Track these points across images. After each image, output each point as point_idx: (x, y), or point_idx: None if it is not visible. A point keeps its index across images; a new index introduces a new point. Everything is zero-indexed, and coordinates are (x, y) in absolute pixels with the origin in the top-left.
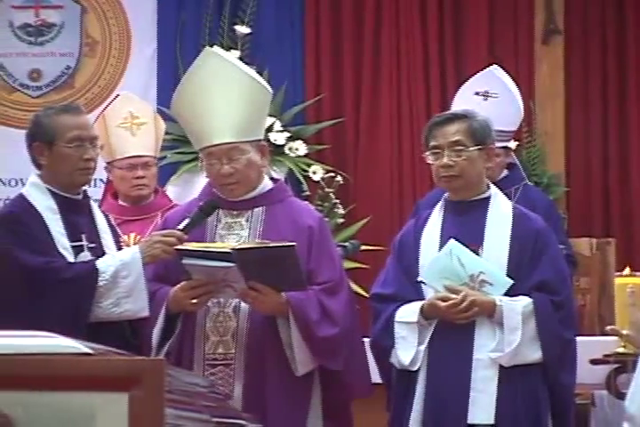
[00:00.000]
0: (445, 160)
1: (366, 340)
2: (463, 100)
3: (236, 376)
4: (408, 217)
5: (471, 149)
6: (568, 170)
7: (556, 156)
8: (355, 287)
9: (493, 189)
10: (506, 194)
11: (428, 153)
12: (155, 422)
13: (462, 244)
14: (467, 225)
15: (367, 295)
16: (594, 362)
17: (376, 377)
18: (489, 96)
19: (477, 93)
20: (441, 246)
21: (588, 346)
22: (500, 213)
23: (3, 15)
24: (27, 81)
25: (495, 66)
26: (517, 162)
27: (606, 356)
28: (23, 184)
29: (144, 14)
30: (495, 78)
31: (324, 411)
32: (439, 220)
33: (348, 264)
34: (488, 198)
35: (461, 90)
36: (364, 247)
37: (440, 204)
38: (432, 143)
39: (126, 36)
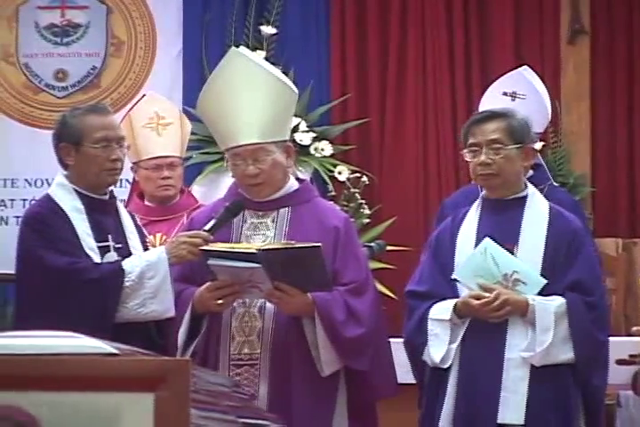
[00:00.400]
0: (483, 158)
1: (393, 340)
2: (491, 100)
3: (261, 376)
4: (434, 217)
5: (509, 147)
6: (594, 170)
7: (581, 156)
8: (380, 288)
9: (530, 189)
10: None
11: (465, 151)
12: (180, 422)
13: (498, 242)
14: (503, 224)
15: (393, 296)
16: (619, 362)
17: (402, 377)
18: (517, 97)
19: (505, 94)
20: (476, 245)
21: (614, 346)
22: (537, 212)
23: (28, 16)
24: (52, 81)
25: (525, 67)
26: (542, 162)
27: (632, 356)
28: (49, 185)
29: (169, 14)
30: (524, 79)
31: (349, 411)
32: (476, 218)
33: (374, 265)
34: (525, 197)
35: (490, 90)
36: (389, 248)
37: (477, 202)
38: (470, 141)
39: (152, 36)
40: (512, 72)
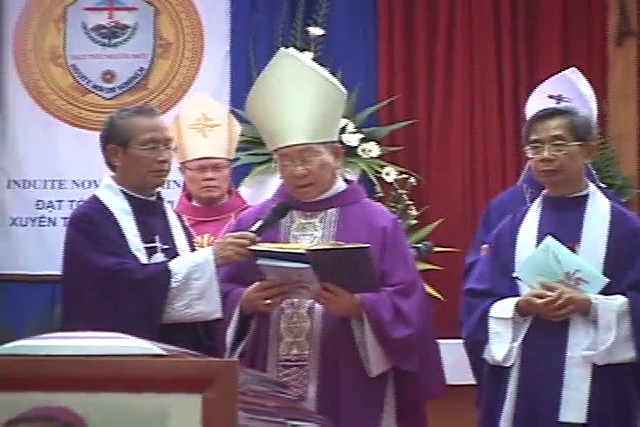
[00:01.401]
0: (545, 154)
1: (441, 341)
2: (537, 103)
3: (309, 377)
4: (481, 218)
5: (571, 144)
6: None
7: (629, 157)
8: (428, 289)
9: (592, 187)
10: None
11: (528, 147)
12: (228, 423)
13: (559, 241)
14: (564, 222)
15: (440, 297)
16: None
17: (450, 378)
18: (562, 100)
19: (551, 97)
20: (538, 243)
21: None
22: (599, 211)
23: (76, 17)
24: (100, 83)
25: (572, 69)
26: (589, 164)
27: None
28: (96, 186)
29: (217, 15)
30: (569, 82)
31: (397, 412)
32: (537, 216)
33: (421, 266)
34: (587, 196)
35: (535, 92)
36: (437, 249)
37: (538, 200)
38: (533, 137)
39: (199, 37)
40: (558, 75)
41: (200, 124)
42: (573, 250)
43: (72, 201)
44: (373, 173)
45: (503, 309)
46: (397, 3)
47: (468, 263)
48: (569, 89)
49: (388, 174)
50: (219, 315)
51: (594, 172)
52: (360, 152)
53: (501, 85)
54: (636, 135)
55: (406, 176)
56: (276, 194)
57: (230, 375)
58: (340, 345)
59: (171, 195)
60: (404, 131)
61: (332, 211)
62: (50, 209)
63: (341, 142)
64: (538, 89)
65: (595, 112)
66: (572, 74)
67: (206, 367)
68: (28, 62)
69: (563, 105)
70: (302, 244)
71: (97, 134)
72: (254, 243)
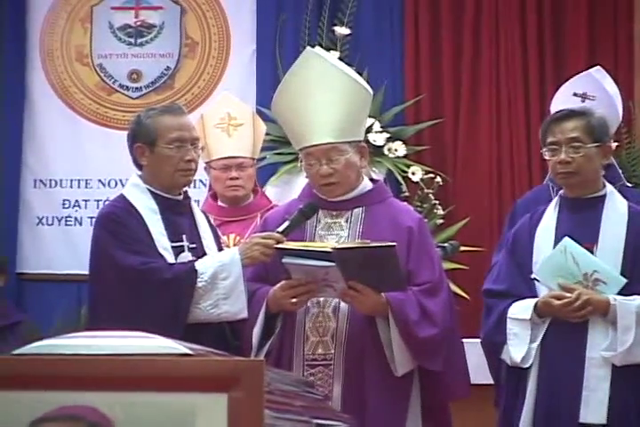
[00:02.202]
0: (563, 156)
1: (466, 340)
2: (562, 101)
3: (335, 377)
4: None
5: (589, 145)
6: None
7: None
8: (454, 288)
9: (609, 188)
10: None
11: (545, 149)
12: (254, 423)
13: (577, 241)
14: (582, 223)
15: (466, 296)
16: None
17: (475, 378)
18: (587, 98)
19: (576, 95)
20: (555, 243)
21: None
22: (616, 211)
23: (103, 16)
24: (126, 82)
25: (598, 68)
26: (615, 162)
27: None
28: (123, 185)
29: (243, 15)
30: (595, 81)
31: (423, 411)
32: (554, 216)
33: (448, 265)
34: (604, 196)
35: (561, 90)
36: (463, 248)
37: (555, 200)
38: (550, 139)
39: (226, 36)
40: (583, 73)
41: (224, 124)
42: (591, 251)
43: (98, 200)
44: (399, 173)
45: (521, 310)
46: (423, 2)
47: (494, 263)
48: (594, 87)
49: (414, 174)
50: (245, 315)
51: (620, 171)
52: (386, 151)
53: (527, 84)
54: None
55: (432, 176)
56: (302, 193)
57: (257, 375)
58: (365, 345)
59: (198, 194)
60: (430, 130)
61: (357, 210)
62: (76, 208)
63: (367, 142)
64: (563, 87)
65: (620, 110)
66: (597, 72)
67: (233, 367)
68: (55, 62)
69: (580, 106)
70: (328, 242)
71: (123, 134)
72: (280, 243)
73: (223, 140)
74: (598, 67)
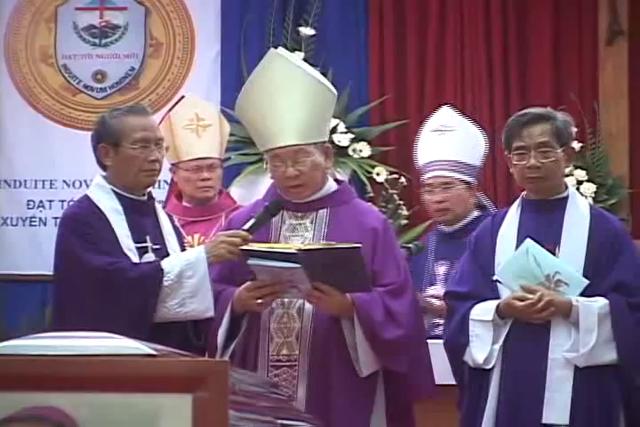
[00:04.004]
0: (533, 162)
1: (430, 341)
2: (425, 140)
3: (299, 378)
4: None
5: (558, 150)
6: (632, 171)
7: (620, 157)
8: None
9: (571, 189)
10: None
11: (512, 154)
12: (218, 423)
13: (539, 243)
14: (544, 225)
15: None
16: None
17: (440, 378)
18: (446, 130)
19: (435, 130)
20: (517, 245)
21: None
22: (578, 213)
23: (67, 17)
24: (91, 82)
25: (447, 106)
26: (488, 202)
27: None
28: (87, 185)
29: (208, 15)
30: (449, 114)
31: (387, 412)
32: (516, 218)
33: None
34: (566, 198)
35: (422, 132)
36: None
37: (517, 202)
38: (517, 144)
39: (190, 37)
40: (437, 112)
41: (193, 125)
42: (553, 252)
43: (63, 201)
44: (364, 174)
45: (484, 311)
46: (388, 3)
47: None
48: (449, 119)
49: (378, 174)
50: (211, 313)
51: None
52: (351, 152)
53: (492, 85)
54: (627, 134)
55: (397, 176)
56: (266, 194)
57: (221, 375)
58: (330, 345)
59: (162, 195)
60: (395, 131)
61: (322, 211)
62: (41, 209)
63: (332, 142)
64: (424, 128)
65: (483, 141)
66: (448, 108)
67: (197, 367)
68: (19, 62)
69: (542, 109)
70: (293, 244)
71: (88, 134)
72: (246, 241)
73: (193, 141)
74: (446, 106)
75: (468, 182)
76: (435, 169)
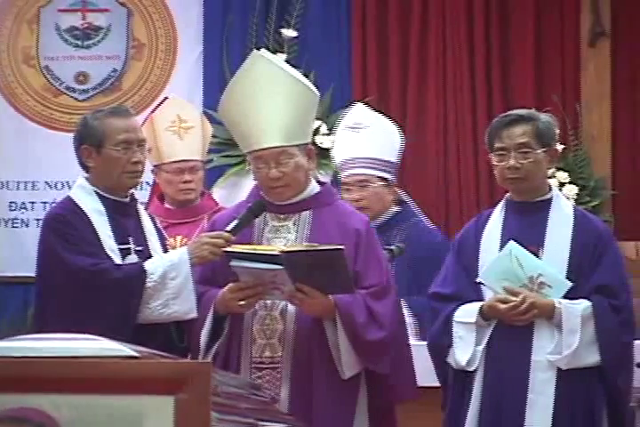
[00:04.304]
0: (512, 162)
1: (413, 343)
2: (341, 139)
3: (282, 379)
4: (453, 221)
5: (538, 151)
6: (614, 173)
7: (602, 159)
8: None
9: (555, 191)
10: (393, 232)
11: (493, 155)
12: (201, 425)
13: (522, 245)
14: (528, 226)
15: None
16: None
17: (422, 380)
18: (360, 128)
19: (350, 128)
20: (501, 247)
21: (635, 349)
22: (562, 214)
23: (50, 18)
24: (73, 84)
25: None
26: (408, 199)
27: None
28: (70, 187)
29: (190, 17)
30: (362, 111)
31: (369, 413)
32: (500, 220)
33: None
34: (550, 200)
35: (337, 130)
36: None
37: (501, 203)
38: (498, 145)
39: (172, 38)
40: (350, 110)
41: (175, 127)
42: (537, 254)
43: (45, 203)
44: None
45: (467, 313)
46: (371, 5)
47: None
48: (363, 117)
49: None
50: (194, 314)
51: (414, 209)
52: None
53: (474, 86)
54: (610, 136)
55: None
56: (249, 195)
57: (203, 377)
58: (312, 347)
59: (144, 196)
60: None
61: (305, 213)
62: (23, 211)
63: (314, 144)
64: (339, 127)
65: (398, 137)
66: (361, 105)
67: (179, 369)
68: (1, 63)
69: (525, 110)
70: (276, 245)
71: (70, 136)
72: (229, 242)
73: (175, 143)
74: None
75: (385, 179)
76: (351, 167)
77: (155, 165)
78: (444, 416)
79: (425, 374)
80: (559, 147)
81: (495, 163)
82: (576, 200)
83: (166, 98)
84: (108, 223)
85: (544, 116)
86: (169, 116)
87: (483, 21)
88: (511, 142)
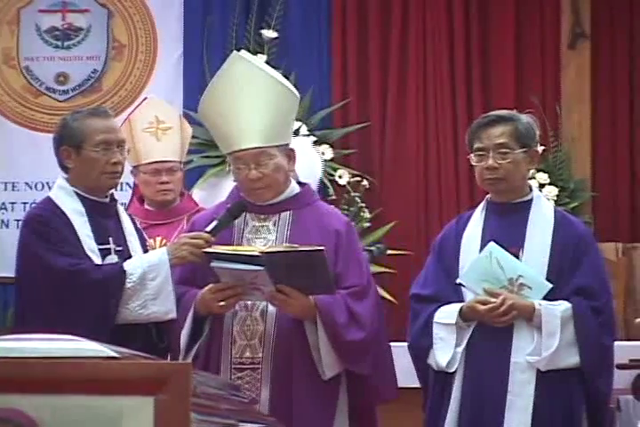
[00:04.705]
0: (490, 162)
1: (393, 344)
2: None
3: (263, 380)
4: (434, 222)
5: (516, 151)
6: (594, 174)
7: (582, 160)
8: (381, 292)
9: (536, 192)
10: None
11: (472, 155)
12: (180, 425)
13: (503, 246)
14: (508, 227)
15: (393, 300)
16: (620, 367)
17: (403, 381)
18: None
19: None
20: (481, 248)
21: (615, 351)
22: (542, 216)
23: (30, 19)
24: (53, 85)
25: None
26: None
27: (632, 361)
28: (49, 188)
29: (170, 18)
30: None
31: (350, 414)
32: (480, 221)
33: (374, 268)
34: (530, 201)
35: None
36: (390, 252)
37: (482, 205)
38: (477, 145)
39: (153, 39)
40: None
41: (153, 128)
42: (517, 255)
43: (25, 203)
44: (326, 176)
45: (447, 314)
46: (351, 6)
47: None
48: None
49: (340, 177)
50: (173, 315)
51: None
52: None
53: (454, 88)
54: (590, 138)
55: (359, 179)
56: (229, 196)
57: (183, 378)
58: (293, 348)
59: (124, 197)
60: (357, 133)
61: (285, 214)
62: (2, 211)
63: None
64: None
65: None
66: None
67: (159, 370)
68: None
69: (506, 111)
70: (256, 246)
71: (50, 136)
72: (209, 243)
73: (152, 144)
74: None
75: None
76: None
77: (133, 166)
78: (425, 418)
79: (406, 374)
80: (539, 148)
81: (474, 163)
82: (556, 202)
83: (146, 98)
84: (88, 224)
85: (524, 117)
86: (147, 117)
87: (463, 23)
88: (490, 143)
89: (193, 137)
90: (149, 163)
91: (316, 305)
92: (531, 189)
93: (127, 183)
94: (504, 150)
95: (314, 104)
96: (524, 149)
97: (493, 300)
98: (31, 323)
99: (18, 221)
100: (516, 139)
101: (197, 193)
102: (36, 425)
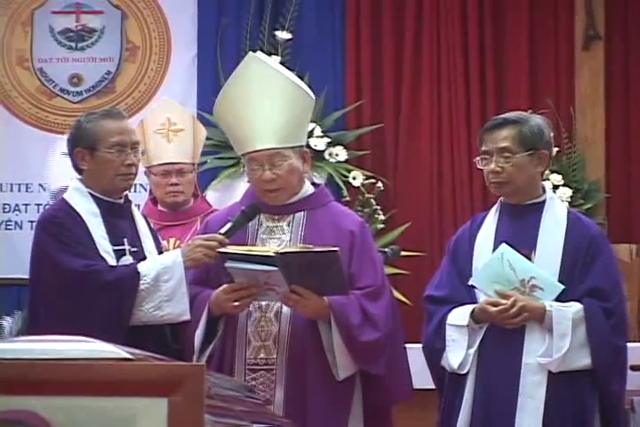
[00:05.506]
0: (493, 166)
1: (408, 345)
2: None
3: (277, 381)
4: (448, 223)
5: (519, 155)
6: (608, 176)
7: (596, 162)
8: (395, 293)
9: (549, 193)
10: None
11: (478, 158)
12: None
13: (515, 248)
14: (521, 229)
15: (407, 301)
16: (634, 368)
17: (417, 382)
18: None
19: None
20: (494, 250)
21: (628, 352)
22: (555, 217)
23: (43, 20)
24: (67, 86)
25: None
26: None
27: None
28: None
29: (184, 19)
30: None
31: (364, 415)
32: (494, 223)
33: (389, 270)
34: (543, 202)
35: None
36: (404, 253)
37: (496, 206)
38: (482, 148)
39: (166, 40)
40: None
41: (164, 130)
42: (529, 257)
43: (39, 205)
44: (340, 178)
45: (459, 316)
46: (365, 8)
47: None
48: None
49: (354, 179)
50: (187, 317)
51: None
52: (327, 156)
53: (468, 89)
54: (604, 139)
55: (373, 180)
56: (243, 197)
57: (197, 379)
58: (307, 349)
59: (138, 198)
60: (371, 135)
61: (299, 214)
62: (16, 213)
63: (308, 146)
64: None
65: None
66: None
67: (173, 371)
68: None
69: (514, 114)
70: (270, 246)
71: (64, 138)
72: (223, 245)
73: (163, 145)
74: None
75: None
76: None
77: (146, 168)
78: (437, 419)
79: (421, 376)
80: (554, 149)
81: (479, 166)
82: (570, 203)
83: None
84: (103, 225)
85: (534, 119)
86: (159, 118)
87: (477, 24)
88: (493, 146)
89: (207, 138)
90: (159, 164)
91: (331, 306)
92: (544, 191)
93: (141, 184)
94: (506, 154)
95: (327, 105)
96: (530, 152)
97: (504, 301)
98: (45, 324)
99: (32, 222)
100: (520, 142)
101: (211, 194)
102: None
